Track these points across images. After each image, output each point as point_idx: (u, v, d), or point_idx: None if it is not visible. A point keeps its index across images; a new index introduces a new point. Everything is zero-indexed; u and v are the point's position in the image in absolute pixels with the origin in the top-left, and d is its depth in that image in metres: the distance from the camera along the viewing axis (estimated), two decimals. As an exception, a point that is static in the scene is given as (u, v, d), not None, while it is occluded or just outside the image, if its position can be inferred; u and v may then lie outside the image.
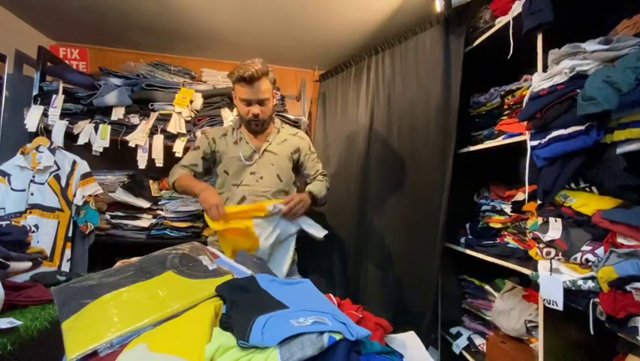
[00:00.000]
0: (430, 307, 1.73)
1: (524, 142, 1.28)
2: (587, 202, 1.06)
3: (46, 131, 1.93)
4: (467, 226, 1.77)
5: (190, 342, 0.58)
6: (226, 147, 1.54)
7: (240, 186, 1.50)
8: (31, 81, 2.02)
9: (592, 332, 0.96)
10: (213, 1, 2.01)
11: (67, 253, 1.81)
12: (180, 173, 1.55)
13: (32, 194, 1.75)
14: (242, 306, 0.66)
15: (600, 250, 0.99)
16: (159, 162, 2.03)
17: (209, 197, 1.38)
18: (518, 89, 1.51)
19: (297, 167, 1.66)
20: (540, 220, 1.21)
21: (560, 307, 1.05)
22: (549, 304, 1.09)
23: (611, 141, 0.95)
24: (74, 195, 1.85)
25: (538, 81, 1.18)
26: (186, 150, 2.07)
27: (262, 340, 0.54)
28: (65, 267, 1.79)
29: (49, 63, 2.11)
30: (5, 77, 2.00)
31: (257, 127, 1.51)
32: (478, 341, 1.71)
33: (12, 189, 1.73)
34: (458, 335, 1.81)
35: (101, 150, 1.98)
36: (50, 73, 2.11)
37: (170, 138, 2.08)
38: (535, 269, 1.18)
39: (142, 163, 2.04)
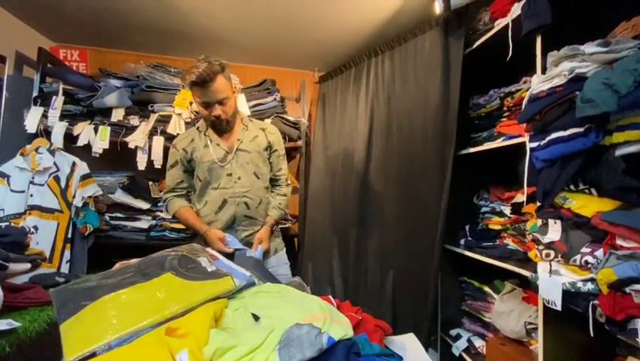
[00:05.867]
0: (429, 309, 1.72)
1: (523, 144, 1.28)
2: (586, 204, 1.05)
3: (45, 132, 1.93)
4: (467, 227, 1.77)
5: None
6: (197, 152, 1.50)
7: (218, 188, 1.47)
8: (31, 82, 2.03)
9: (592, 334, 0.96)
10: (213, 3, 2.01)
11: (67, 254, 1.81)
12: (176, 205, 1.53)
13: (32, 195, 1.75)
14: None
15: (599, 252, 0.99)
16: (158, 164, 2.03)
17: (211, 241, 1.40)
18: (517, 90, 1.52)
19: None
20: (539, 222, 1.21)
21: (559, 308, 1.05)
22: (548, 303, 1.09)
23: (610, 143, 0.95)
24: (74, 197, 1.85)
25: (538, 83, 1.18)
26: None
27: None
28: (64, 268, 1.78)
29: (50, 64, 2.11)
30: (5, 78, 2.00)
31: (222, 127, 1.47)
32: (478, 342, 1.70)
33: (11, 190, 1.73)
34: (458, 336, 1.80)
35: (101, 152, 1.98)
36: (50, 74, 2.11)
37: (170, 139, 2.07)
38: (535, 271, 1.17)
39: (141, 164, 2.04)
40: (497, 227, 1.61)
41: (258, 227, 1.52)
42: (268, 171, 1.59)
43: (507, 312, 1.52)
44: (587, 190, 1.09)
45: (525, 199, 1.32)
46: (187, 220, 1.51)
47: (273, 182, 1.64)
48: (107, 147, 1.98)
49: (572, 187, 1.12)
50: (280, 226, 1.87)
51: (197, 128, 1.55)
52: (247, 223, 1.50)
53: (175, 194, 1.56)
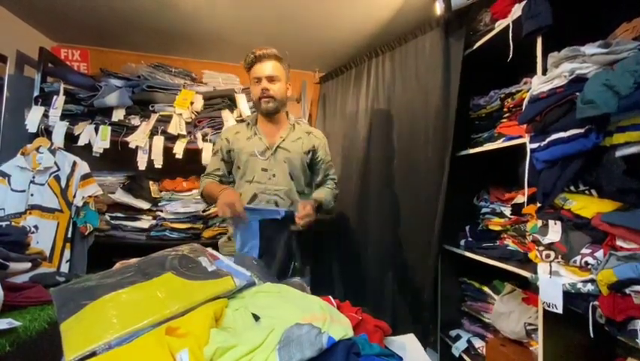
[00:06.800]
0: (428, 310, 1.72)
1: (524, 145, 1.28)
2: (586, 205, 1.05)
3: (46, 132, 1.93)
4: (467, 228, 1.77)
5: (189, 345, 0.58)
6: (239, 143, 1.51)
7: (252, 182, 1.47)
8: (32, 82, 2.03)
9: (591, 335, 0.96)
10: (214, 3, 2.01)
11: (67, 253, 1.81)
12: (205, 182, 1.55)
13: (32, 195, 1.75)
14: None
15: (600, 253, 0.99)
16: (158, 164, 2.04)
17: (224, 197, 1.32)
18: (518, 91, 1.52)
19: (311, 166, 1.59)
20: (540, 223, 1.21)
21: (560, 310, 1.04)
22: (548, 307, 1.08)
23: (610, 143, 0.95)
24: (74, 196, 1.85)
25: (538, 84, 1.18)
26: (186, 151, 2.08)
27: None
28: (64, 268, 1.78)
29: (51, 64, 2.11)
30: (6, 77, 2.01)
31: (268, 105, 1.46)
32: (478, 343, 1.70)
33: (12, 189, 1.73)
34: (458, 337, 1.80)
35: (102, 151, 1.98)
36: (51, 74, 2.12)
37: (171, 139, 2.09)
38: (535, 272, 1.17)
39: (142, 164, 2.05)
40: (497, 228, 1.61)
41: None
42: (305, 175, 1.56)
43: (507, 313, 1.52)
44: (587, 191, 1.09)
45: (525, 200, 1.32)
46: (208, 192, 1.49)
47: (320, 185, 1.64)
48: (107, 146, 1.98)
49: (572, 188, 1.12)
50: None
51: (247, 123, 1.57)
52: None
53: (209, 178, 1.57)
